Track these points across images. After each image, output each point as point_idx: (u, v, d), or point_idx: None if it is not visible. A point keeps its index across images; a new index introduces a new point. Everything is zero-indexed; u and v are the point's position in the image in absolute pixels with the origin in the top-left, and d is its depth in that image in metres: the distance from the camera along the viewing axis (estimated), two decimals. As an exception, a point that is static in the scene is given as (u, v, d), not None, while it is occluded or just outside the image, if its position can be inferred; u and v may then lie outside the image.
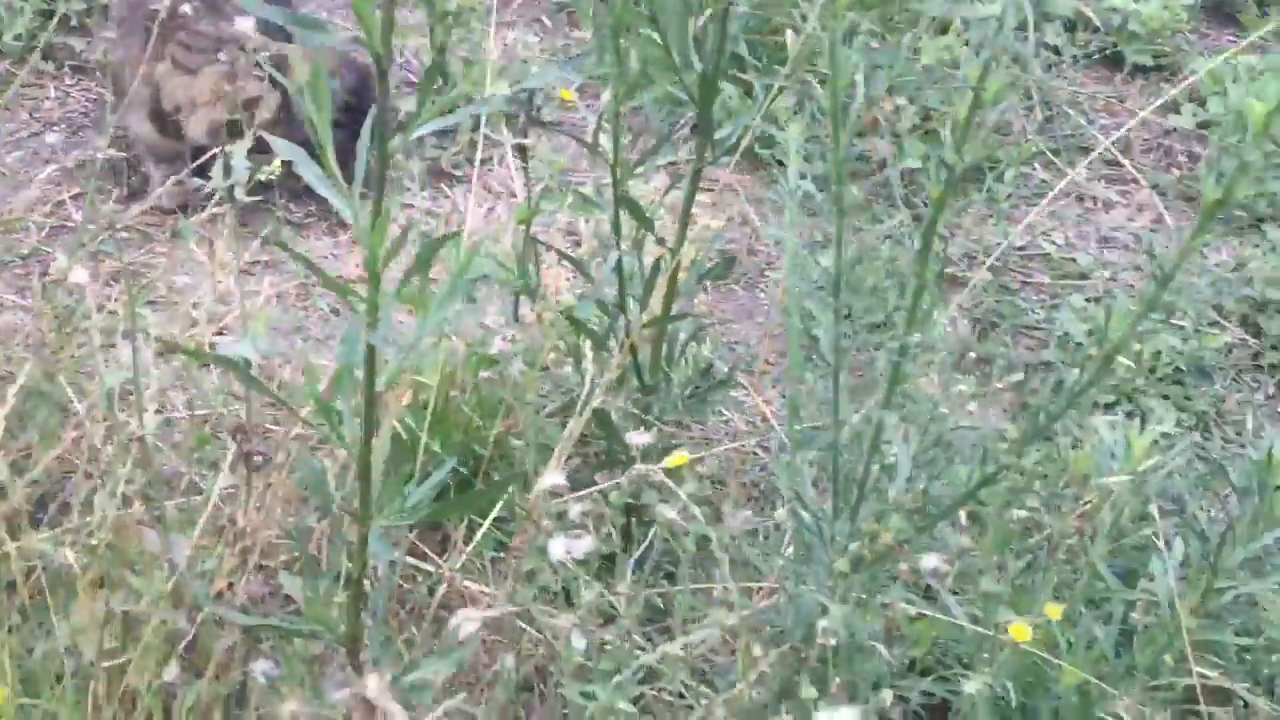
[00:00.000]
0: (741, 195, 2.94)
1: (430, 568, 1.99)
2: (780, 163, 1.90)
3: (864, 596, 1.66)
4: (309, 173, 1.43)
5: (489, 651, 1.76)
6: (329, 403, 1.47)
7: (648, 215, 1.95)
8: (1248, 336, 2.76)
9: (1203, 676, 1.87)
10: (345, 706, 1.29)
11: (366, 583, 1.57)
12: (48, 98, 3.14)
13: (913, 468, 1.68)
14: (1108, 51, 3.48)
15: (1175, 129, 3.31)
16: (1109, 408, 2.57)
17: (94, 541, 1.68)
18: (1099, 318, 2.67)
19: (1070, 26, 3.47)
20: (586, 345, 2.05)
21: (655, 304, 2.03)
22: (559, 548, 1.57)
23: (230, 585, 1.71)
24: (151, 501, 1.72)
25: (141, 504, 1.72)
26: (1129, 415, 2.55)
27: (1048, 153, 3.11)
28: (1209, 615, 1.97)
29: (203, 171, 2.36)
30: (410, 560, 2.02)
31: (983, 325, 2.73)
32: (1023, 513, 1.88)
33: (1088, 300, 2.77)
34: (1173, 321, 2.77)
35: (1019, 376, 2.30)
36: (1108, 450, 2.20)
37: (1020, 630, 1.49)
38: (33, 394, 1.90)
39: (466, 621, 1.36)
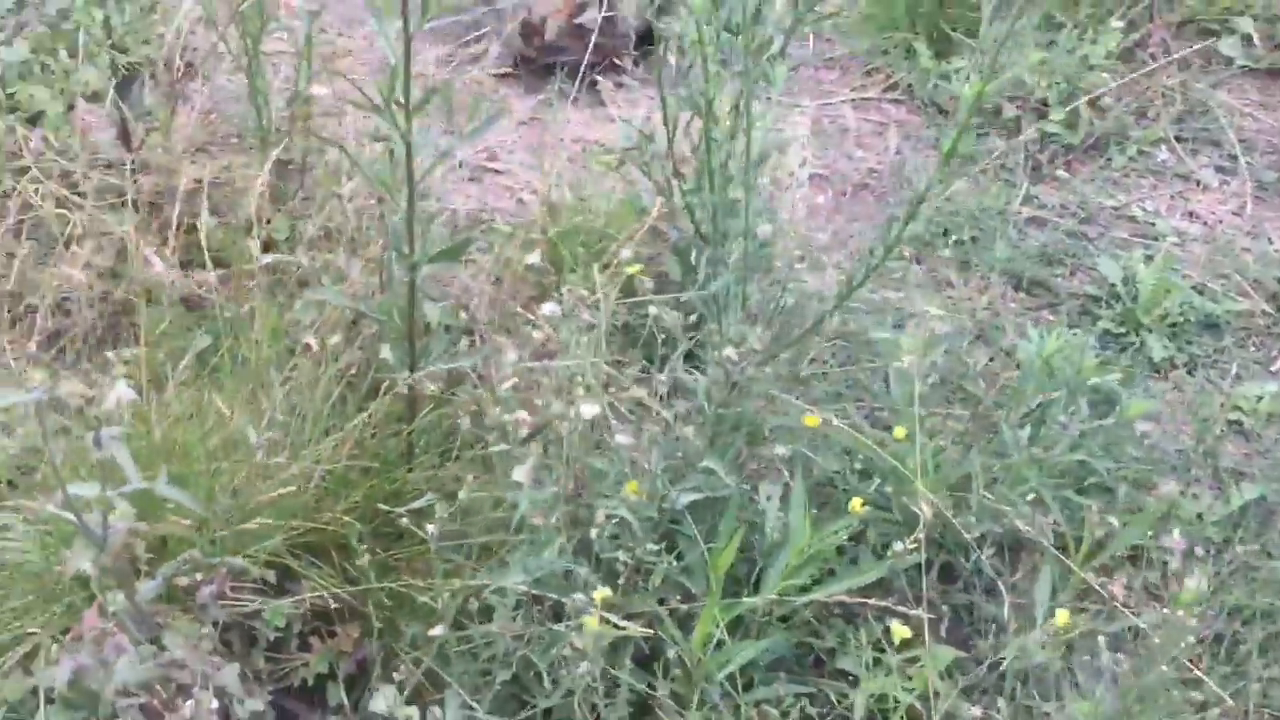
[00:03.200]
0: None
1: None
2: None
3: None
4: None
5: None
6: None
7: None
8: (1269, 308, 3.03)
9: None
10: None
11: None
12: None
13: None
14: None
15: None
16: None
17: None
18: (1134, 266, 3.01)
19: (1249, 40, 3.67)
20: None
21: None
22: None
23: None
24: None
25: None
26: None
27: (1172, 139, 3.39)
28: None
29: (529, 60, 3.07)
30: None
31: (1051, 258, 3.11)
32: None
33: (1147, 256, 3.09)
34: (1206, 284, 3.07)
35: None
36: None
37: (811, 419, 2.01)
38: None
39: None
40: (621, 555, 1.97)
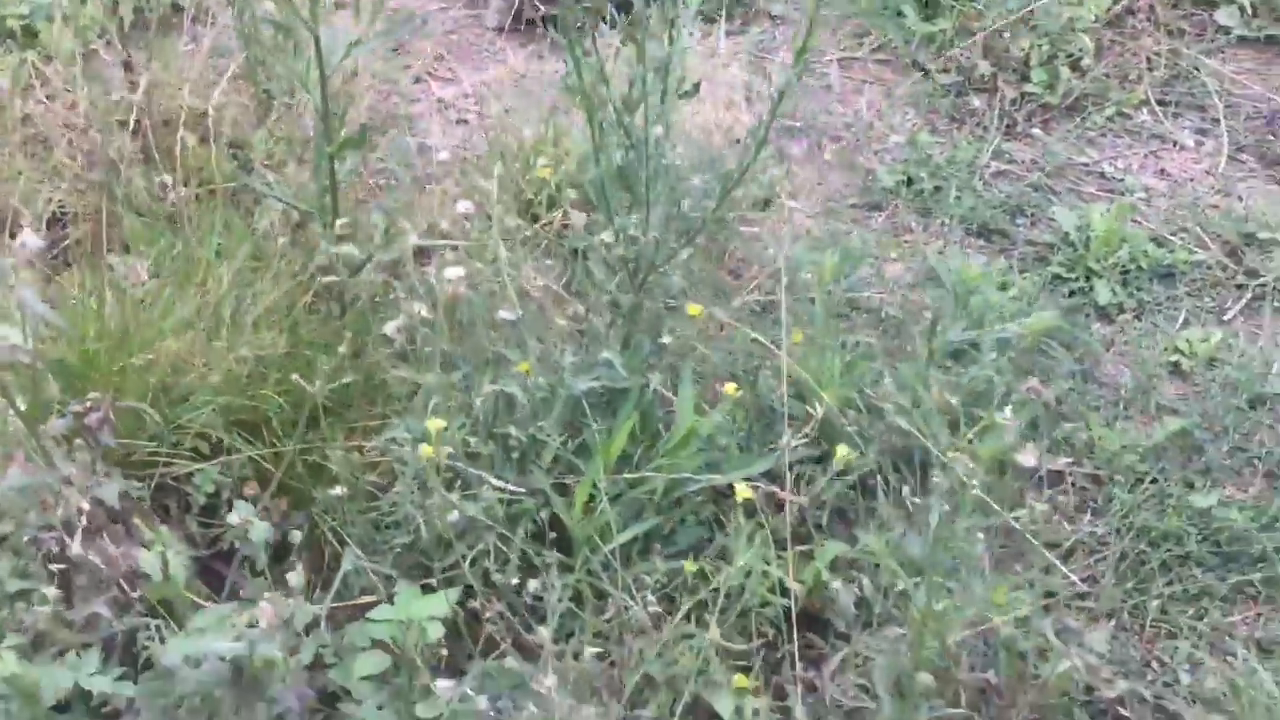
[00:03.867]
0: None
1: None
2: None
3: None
4: None
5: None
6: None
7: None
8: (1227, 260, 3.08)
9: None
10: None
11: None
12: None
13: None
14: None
15: (1291, 107, 3.53)
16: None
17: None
18: (1091, 216, 3.08)
19: (1245, 11, 3.71)
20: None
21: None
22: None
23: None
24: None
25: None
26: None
27: (1154, 103, 3.46)
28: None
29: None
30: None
31: (1010, 209, 3.19)
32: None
33: (1106, 210, 3.15)
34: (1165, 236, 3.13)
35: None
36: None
37: (694, 309, 2.14)
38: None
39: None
40: (514, 430, 2.12)
